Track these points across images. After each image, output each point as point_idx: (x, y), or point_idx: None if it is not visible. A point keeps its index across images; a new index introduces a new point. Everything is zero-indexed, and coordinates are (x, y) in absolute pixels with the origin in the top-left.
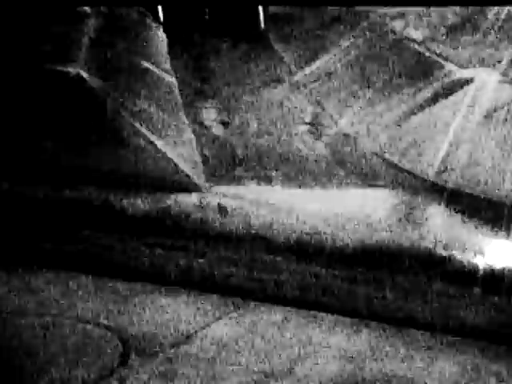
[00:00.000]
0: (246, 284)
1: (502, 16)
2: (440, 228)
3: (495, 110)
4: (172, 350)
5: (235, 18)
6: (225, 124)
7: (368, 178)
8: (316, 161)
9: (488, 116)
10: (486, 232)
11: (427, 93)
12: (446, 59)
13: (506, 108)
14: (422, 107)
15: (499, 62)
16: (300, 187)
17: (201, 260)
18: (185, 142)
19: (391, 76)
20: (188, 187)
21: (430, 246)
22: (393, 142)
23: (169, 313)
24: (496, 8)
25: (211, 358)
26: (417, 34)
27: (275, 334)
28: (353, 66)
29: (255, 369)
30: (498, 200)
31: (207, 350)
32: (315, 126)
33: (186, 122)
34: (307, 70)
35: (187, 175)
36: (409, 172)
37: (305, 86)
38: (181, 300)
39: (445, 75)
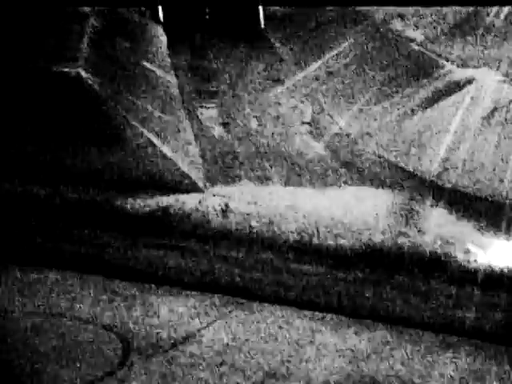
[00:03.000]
0: (246, 284)
1: (502, 16)
2: (440, 228)
3: (495, 110)
4: (172, 350)
5: (235, 17)
6: (225, 124)
7: (368, 178)
8: (316, 161)
9: (488, 116)
10: (486, 232)
11: (427, 93)
12: (446, 59)
13: (505, 108)
14: (422, 107)
15: (499, 61)
16: (300, 187)
17: (201, 260)
18: (185, 142)
19: (391, 76)
20: (188, 187)
21: (430, 246)
22: (393, 141)
23: (169, 313)
24: (496, 8)
25: (211, 358)
26: (417, 34)
27: (275, 333)
28: (353, 65)
29: (255, 369)
30: (497, 200)
31: (207, 350)
32: (315, 126)
33: (186, 121)
34: (307, 70)
35: (187, 175)
36: (409, 172)
37: (305, 85)
38: (181, 300)
39: (445, 75)
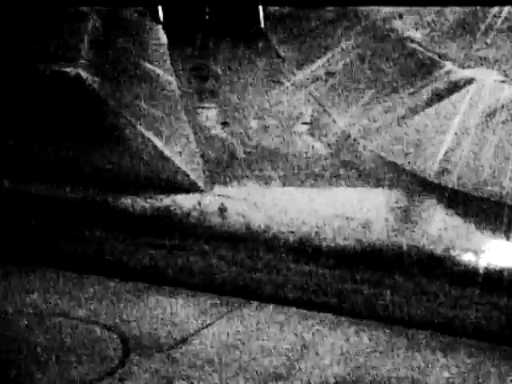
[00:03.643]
0: (246, 284)
1: (502, 16)
2: (440, 228)
3: (495, 110)
4: (172, 350)
5: (235, 17)
6: (225, 124)
7: (368, 178)
8: (316, 161)
9: (488, 116)
10: (486, 232)
11: (427, 93)
12: (446, 59)
13: (505, 108)
14: (422, 107)
15: (499, 61)
16: (300, 187)
17: (201, 260)
18: (185, 142)
19: (391, 76)
20: (188, 187)
21: (430, 245)
22: (393, 142)
23: (169, 313)
24: (496, 8)
25: (211, 358)
26: (417, 34)
27: (275, 333)
28: (353, 65)
29: (255, 369)
30: (497, 200)
31: (207, 350)
32: (315, 126)
33: (186, 121)
34: (307, 70)
35: (187, 175)
36: (409, 172)
37: (305, 85)
38: (181, 300)
39: (445, 75)
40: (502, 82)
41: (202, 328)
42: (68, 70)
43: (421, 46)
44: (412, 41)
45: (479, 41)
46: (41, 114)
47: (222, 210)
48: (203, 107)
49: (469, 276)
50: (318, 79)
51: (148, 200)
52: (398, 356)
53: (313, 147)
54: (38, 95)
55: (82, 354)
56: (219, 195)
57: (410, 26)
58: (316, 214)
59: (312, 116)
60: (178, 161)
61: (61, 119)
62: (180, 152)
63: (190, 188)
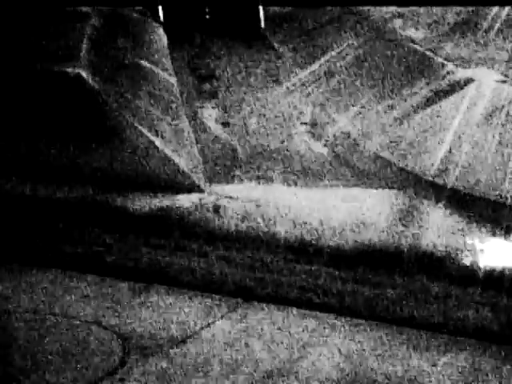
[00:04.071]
0: (246, 284)
1: (502, 16)
2: (440, 228)
3: (495, 110)
4: (172, 350)
5: (235, 17)
6: (225, 124)
7: (368, 178)
8: (316, 161)
9: (488, 116)
10: (486, 232)
11: (427, 93)
12: (446, 59)
13: (505, 108)
14: (422, 107)
15: (499, 61)
16: (300, 187)
17: (201, 260)
18: (185, 142)
19: (391, 76)
20: (188, 187)
21: (430, 246)
22: (393, 141)
23: (169, 312)
24: (496, 8)
25: (211, 358)
26: (417, 34)
27: (275, 333)
28: (353, 65)
29: (255, 369)
30: (497, 200)
31: (207, 349)
32: (315, 126)
33: (186, 121)
34: (307, 70)
35: (187, 175)
36: (409, 172)
37: (305, 85)
38: (181, 300)
39: (445, 75)
40: (502, 81)
41: (202, 328)
42: (68, 70)
43: (421, 46)
44: (412, 41)
45: (479, 41)
46: (41, 114)
47: (217, 209)
48: (203, 107)
49: (468, 276)
50: (318, 79)
51: (148, 200)
52: (397, 356)
53: (313, 147)
54: (39, 95)
55: (82, 354)
56: (219, 195)
57: (409, 26)
58: (316, 214)
59: (312, 116)
60: (177, 161)
61: (61, 119)
62: (180, 152)
63: (190, 188)
